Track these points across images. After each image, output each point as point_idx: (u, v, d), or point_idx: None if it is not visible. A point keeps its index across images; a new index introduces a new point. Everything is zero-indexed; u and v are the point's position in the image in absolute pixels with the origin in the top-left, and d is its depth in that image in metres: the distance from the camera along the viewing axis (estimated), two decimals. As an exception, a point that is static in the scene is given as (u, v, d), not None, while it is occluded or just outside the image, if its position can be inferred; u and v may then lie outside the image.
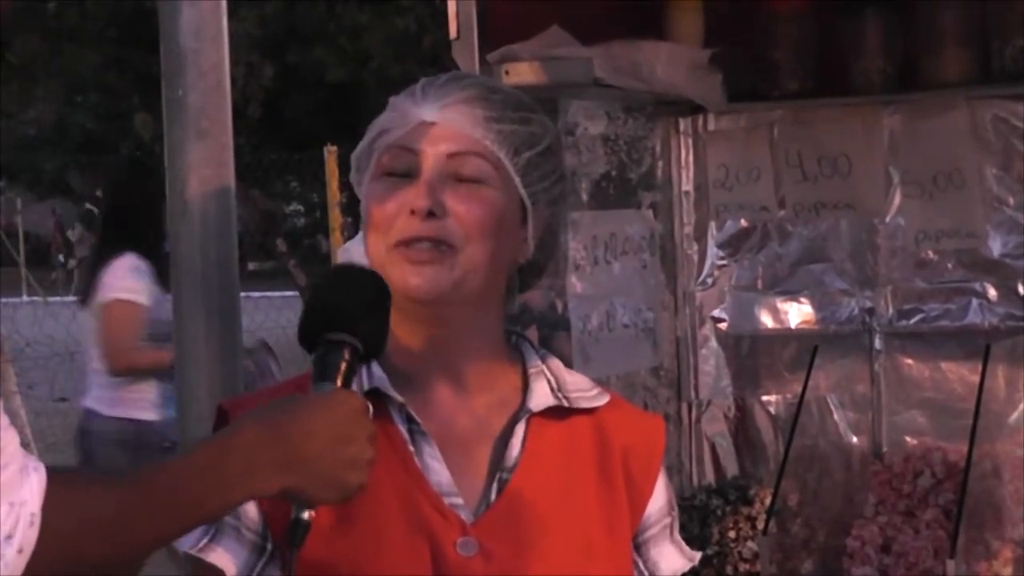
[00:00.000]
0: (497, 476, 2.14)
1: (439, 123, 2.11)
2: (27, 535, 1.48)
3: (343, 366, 1.97)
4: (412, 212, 2.07)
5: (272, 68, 19.44)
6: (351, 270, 2.08)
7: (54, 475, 1.55)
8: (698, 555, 2.33)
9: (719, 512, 4.16)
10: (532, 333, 3.70)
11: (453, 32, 3.50)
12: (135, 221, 6.71)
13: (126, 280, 6.53)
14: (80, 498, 1.57)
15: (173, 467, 1.78)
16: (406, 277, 2.08)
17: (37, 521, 1.49)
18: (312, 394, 1.95)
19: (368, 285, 2.03)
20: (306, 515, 1.92)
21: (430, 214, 2.07)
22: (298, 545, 1.92)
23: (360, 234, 2.42)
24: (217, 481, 1.76)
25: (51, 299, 22.44)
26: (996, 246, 4.13)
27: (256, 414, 1.89)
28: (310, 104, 20.56)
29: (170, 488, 1.71)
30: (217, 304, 2.98)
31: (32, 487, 1.51)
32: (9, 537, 1.47)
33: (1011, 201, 4.10)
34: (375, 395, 2.11)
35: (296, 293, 16.60)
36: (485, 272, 2.11)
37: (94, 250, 7.39)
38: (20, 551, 1.47)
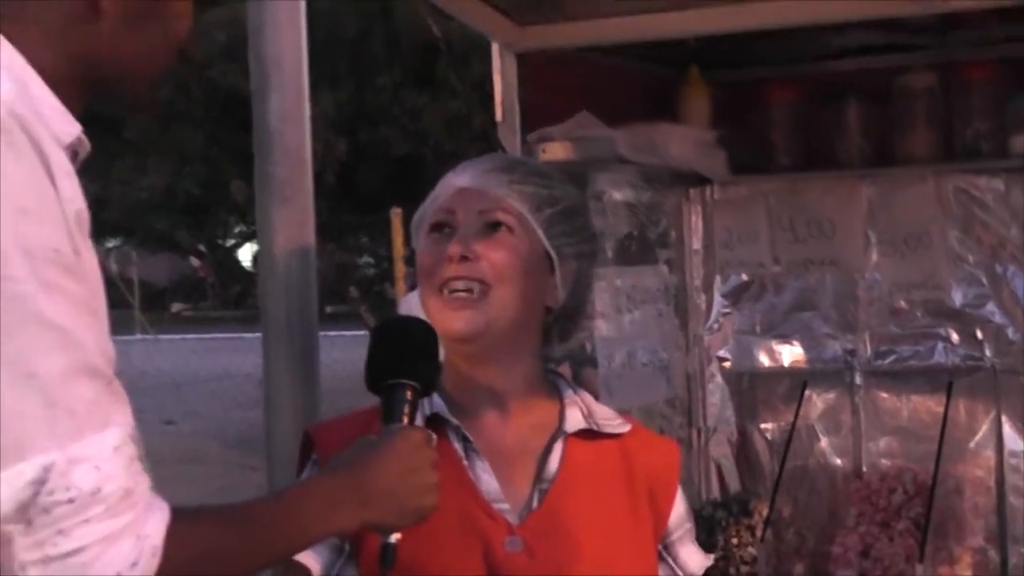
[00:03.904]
0: (538, 486, 2.15)
1: (471, 187, 2.17)
2: (150, 564, 1.54)
3: (405, 406, 1.97)
4: (449, 259, 2.12)
5: (346, 144, 19.46)
6: (402, 322, 2.11)
7: (176, 513, 1.59)
8: (712, 556, 2.35)
9: (723, 522, 4.14)
10: (565, 368, 3.69)
11: (499, 116, 3.51)
12: None
13: None
14: (195, 534, 1.61)
15: (268, 507, 1.80)
16: (447, 321, 2.11)
17: (159, 553, 1.54)
18: (382, 434, 1.94)
19: (417, 333, 2.04)
20: (392, 539, 1.91)
21: (463, 258, 2.11)
22: (390, 567, 1.91)
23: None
24: (304, 519, 1.77)
25: (161, 337, 22.46)
26: (958, 297, 4.11)
27: (338, 459, 1.89)
28: (378, 174, 20.53)
29: (266, 524, 1.73)
30: (299, 344, 2.97)
31: (156, 523, 1.55)
32: (134, 564, 1.52)
33: (971, 259, 4.09)
34: (435, 420, 2.13)
35: (366, 332, 16.54)
36: (515, 310, 2.13)
37: None
38: None
